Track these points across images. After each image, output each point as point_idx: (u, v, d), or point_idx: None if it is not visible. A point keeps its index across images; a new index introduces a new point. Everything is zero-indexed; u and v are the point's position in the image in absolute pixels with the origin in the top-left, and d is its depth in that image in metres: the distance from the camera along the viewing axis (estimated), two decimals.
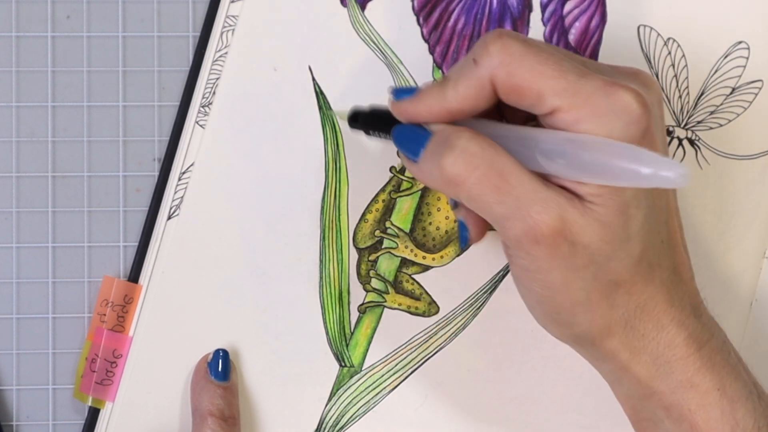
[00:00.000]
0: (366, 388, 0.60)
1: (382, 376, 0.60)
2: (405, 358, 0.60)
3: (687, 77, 0.61)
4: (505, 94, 0.48)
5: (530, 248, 0.47)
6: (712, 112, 0.61)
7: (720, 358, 0.50)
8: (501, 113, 0.52)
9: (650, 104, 0.47)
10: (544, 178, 0.47)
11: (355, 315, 0.60)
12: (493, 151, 0.47)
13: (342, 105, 0.59)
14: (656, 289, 0.49)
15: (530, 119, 0.50)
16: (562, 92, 0.46)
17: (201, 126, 0.60)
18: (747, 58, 0.61)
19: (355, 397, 0.60)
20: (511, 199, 0.47)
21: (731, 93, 0.61)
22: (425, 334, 0.60)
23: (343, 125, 0.58)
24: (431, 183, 0.50)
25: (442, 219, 0.60)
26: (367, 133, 0.54)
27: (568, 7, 0.61)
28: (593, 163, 0.45)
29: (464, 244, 0.59)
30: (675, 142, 0.61)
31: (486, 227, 0.55)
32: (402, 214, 0.60)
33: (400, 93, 0.52)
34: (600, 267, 0.48)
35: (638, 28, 0.61)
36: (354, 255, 0.60)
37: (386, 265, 0.60)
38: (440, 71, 0.60)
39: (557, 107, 0.47)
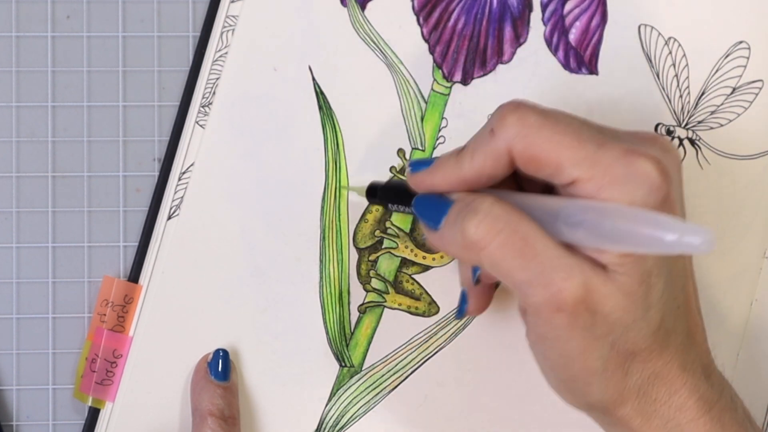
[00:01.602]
0: (366, 388, 0.60)
1: (382, 376, 0.60)
2: (405, 358, 0.60)
3: (688, 77, 0.61)
4: (523, 164, 0.48)
5: (551, 316, 0.46)
6: (712, 112, 0.61)
7: (729, 416, 0.50)
8: (518, 182, 0.52)
9: (670, 171, 0.47)
10: (567, 246, 0.47)
11: (355, 315, 0.60)
12: (517, 215, 0.47)
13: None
14: (671, 355, 0.49)
15: (548, 188, 0.50)
16: (582, 162, 0.46)
17: (201, 126, 0.60)
18: (747, 58, 0.61)
19: (355, 397, 0.60)
20: (534, 265, 0.46)
21: (732, 93, 0.61)
22: (425, 334, 0.60)
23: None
24: (452, 249, 0.49)
25: None
26: (386, 206, 0.55)
27: (568, 6, 0.61)
28: (616, 231, 0.44)
29: (460, 315, 0.57)
30: (676, 141, 0.61)
31: (487, 304, 0.56)
32: (402, 215, 0.60)
33: (417, 165, 0.52)
34: (619, 336, 0.47)
35: (639, 27, 0.61)
36: (354, 255, 0.60)
37: (386, 265, 0.60)
38: (440, 71, 0.60)
39: (577, 177, 0.46)
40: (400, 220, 0.60)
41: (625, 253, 0.46)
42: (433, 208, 0.50)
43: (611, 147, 0.46)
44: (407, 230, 0.60)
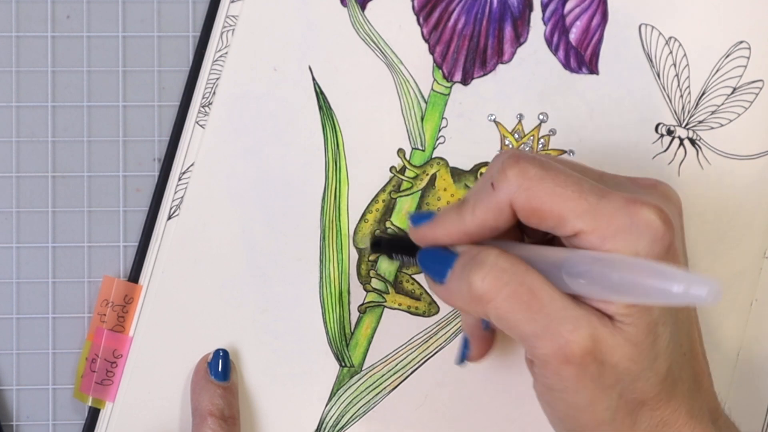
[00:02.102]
0: (366, 388, 0.60)
1: (382, 376, 0.60)
2: (405, 358, 0.60)
3: (688, 77, 0.61)
4: (525, 217, 0.48)
5: (559, 368, 0.46)
6: (713, 112, 0.61)
7: None
8: (521, 231, 0.52)
9: (672, 219, 0.47)
10: (574, 298, 0.47)
11: (355, 315, 0.60)
12: (523, 267, 0.47)
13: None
14: (678, 402, 0.49)
15: (549, 237, 0.50)
16: (584, 214, 0.46)
17: (201, 126, 0.60)
18: (748, 58, 0.61)
19: (355, 397, 0.60)
20: (541, 317, 0.46)
21: (732, 93, 0.61)
22: (425, 334, 0.60)
23: (346, 127, 0.59)
24: (459, 302, 0.49)
25: None
26: (391, 257, 0.55)
27: (569, 6, 0.61)
28: (622, 283, 0.44)
29: (461, 361, 0.57)
30: (676, 141, 0.61)
31: (489, 349, 0.56)
32: (402, 214, 0.60)
33: (418, 219, 0.52)
34: (627, 386, 0.47)
35: (640, 27, 0.61)
36: (354, 255, 0.60)
37: (386, 265, 0.60)
38: (440, 71, 0.60)
39: (580, 230, 0.46)
40: (400, 220, 0.60)
41: (632, 303, 0.46)
42: (437, 261, 0.50)
43: (613, 197, 0.46)
44: (407, 230, 0.60)
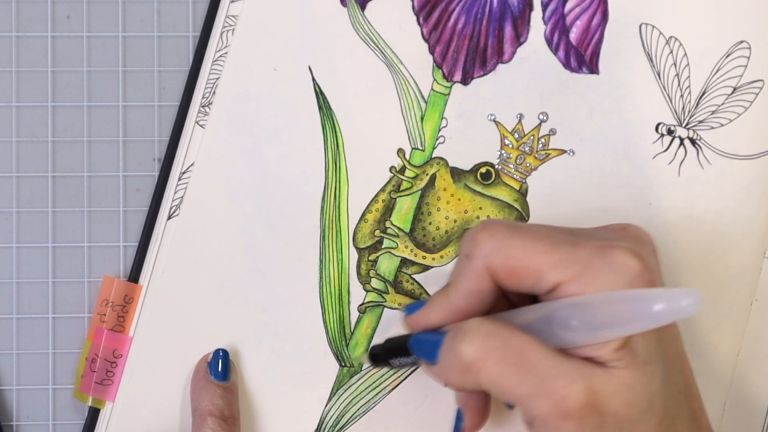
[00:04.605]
0: (366, 388, 0.60)
1: (382, 376, 0.60)
2: None
3: (689, 76, 0.61)
4: (504, 278, 0.48)
5: (558, 425, 0.46)
6: (713, 112, 0.61)
7: None
8: (511, 304, 0.52)
9: (647, 258, 0.47)
10: (563, 352, 0.47)
11: (355, 315, 0.60)
12: (508, 330, 0.47)
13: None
14: None
15: (536, 302, 0.50)
16: (559, 264, 0.47)
17: (201, 126, 0.60)
18: (748, 58, 0.61)
19: (355, 397, 0.60)
20: (533, 376, 0.46)
21: (732, 92, 0.61)
22: None
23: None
24: (453, 378, 0.49)
25: (442, 219, 0.60)
26: (390, 364, 0.55)
27: (569, 5, 0.61)
28: (607, 318, 0.45)
29: None
30: (677, 141, 0.61)
31: (484, 420, 0.55)
32: (402, 214, 0.60)
33: (411, 308, 0.53)
34: None
35: (640, 26, 0.61)
36: (354, 255, 0.60)
37: (386, 265, 0.60)
38: (440, 71, 0.60)
39: (558, 281, 0.47)
40: (400, 219, 0.60)
41: (620, 343, 0.46)
42: (428, 342, 0.51)
43: (585, 245, 0.47)
44: (407, 230, 0.60)
